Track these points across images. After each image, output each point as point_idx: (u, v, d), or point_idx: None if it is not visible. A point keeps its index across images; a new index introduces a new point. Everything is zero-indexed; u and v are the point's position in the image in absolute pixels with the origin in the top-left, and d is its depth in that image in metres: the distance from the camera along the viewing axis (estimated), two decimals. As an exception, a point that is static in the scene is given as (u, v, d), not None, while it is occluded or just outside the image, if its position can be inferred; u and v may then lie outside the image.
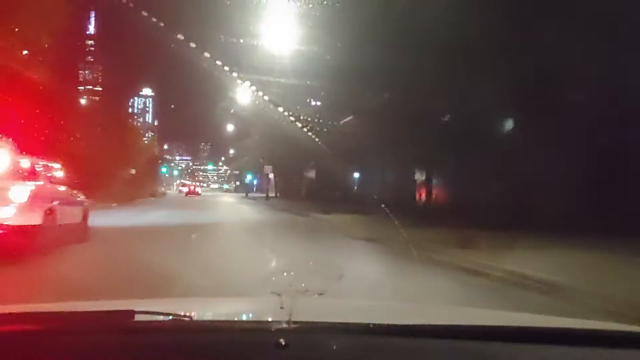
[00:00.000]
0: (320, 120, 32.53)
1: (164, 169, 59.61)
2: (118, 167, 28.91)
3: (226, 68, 21.37)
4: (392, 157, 27.79)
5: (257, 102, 36.78)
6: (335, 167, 34.17)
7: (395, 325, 1.44)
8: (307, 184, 44.22)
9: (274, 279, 1.58)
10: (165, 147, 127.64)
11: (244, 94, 37.66)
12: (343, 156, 31.51)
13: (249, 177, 59.42)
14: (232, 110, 37.77)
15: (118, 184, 30.61)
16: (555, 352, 1.31)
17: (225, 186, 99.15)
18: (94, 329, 1.35)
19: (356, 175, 34.12)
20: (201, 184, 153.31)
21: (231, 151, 71.14)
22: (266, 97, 34.85)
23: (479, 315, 2.08)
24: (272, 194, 47.01)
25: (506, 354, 1.32)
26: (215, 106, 49.66)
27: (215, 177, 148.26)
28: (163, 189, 60.65)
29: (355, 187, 33.81)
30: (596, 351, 1.33)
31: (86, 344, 1.29)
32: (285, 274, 1.62)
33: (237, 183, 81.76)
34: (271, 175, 39.14)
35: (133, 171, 34.93)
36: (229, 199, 46.97)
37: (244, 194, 58.76)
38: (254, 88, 34.38)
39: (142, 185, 39.74)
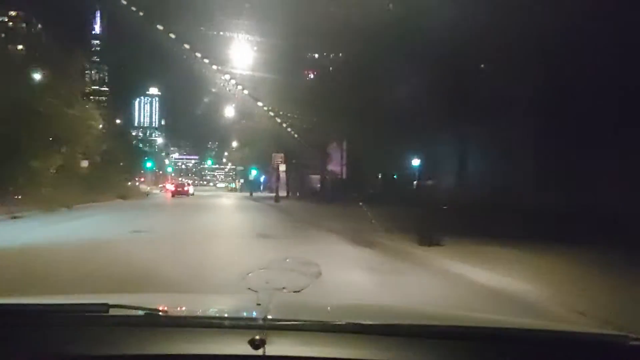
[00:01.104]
0: (353, 84, 21.74)
1: (149, 164, 48.34)
2: (30, 152, 18.18)
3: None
4: (483, 133, 16.89)
5: (262, 65, 26.59)
6: (377, 152, 23.64)
7: (371, 324, 1.42)
8: (333, 179, 33.47)
9: (251, 275, 1.75)
10: (160, 140, 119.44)
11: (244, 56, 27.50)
12: (391, 135, 20.82)
13: (253, 172, 48.08)
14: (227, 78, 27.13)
15: (59, 182, 20.36)
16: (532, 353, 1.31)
17: (232, 185, 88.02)
18: (67, 322, 1.34)
19: (415, 163, 23.18)
20: (208, 183, 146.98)
21: (234, 144, 59.99)
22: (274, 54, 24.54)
23: (461, 317, 1.98)
24: (282, 193, 36.21)
25: (489, 354, 1.30)
26: (220, 98, 39.21)
27: (223, 176, 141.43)
28: (149, 188, 49.76)
29: (416, 182, 22.92)
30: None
31: (60, 337, 1.30)
32: (262, 271, 1.80)
33: (242, 181, 70.17)
34: (282, 168, 28.09)
35: (85, 163, 24.49)
36: (227, 200, 36.19)
37: (248, 194, 48.07)
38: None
39: (108, 184, 29.43)
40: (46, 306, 1.48)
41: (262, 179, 59.03)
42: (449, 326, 1.50)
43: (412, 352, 1.28)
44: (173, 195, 40.77)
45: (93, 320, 1.33)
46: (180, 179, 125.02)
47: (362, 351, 1.26)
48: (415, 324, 1.46)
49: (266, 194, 56.46)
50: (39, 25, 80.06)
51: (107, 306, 1.31)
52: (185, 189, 44.39)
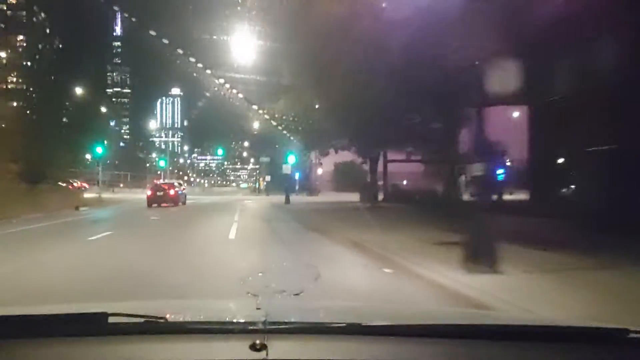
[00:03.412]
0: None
1: (99, 150, 28.75)
2: None
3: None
4: None
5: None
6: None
7: (372, 325, 1.43)
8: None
9: (250, 279, 1.78)
10: (152, 127, 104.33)
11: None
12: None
13: (291, 159, 28.05)
14: None
15: None
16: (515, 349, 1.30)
17: (256, 184, 67.68)
18: (67, 331, 1.31)
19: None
20: (230, 183, 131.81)
21: (255, 124, 40.85)
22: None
23: (459, 315, 2.03)
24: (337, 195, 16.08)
25: (487, 352, 1.30)
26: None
27: (246, 176, 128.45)
28: (100, 191, 29.81)
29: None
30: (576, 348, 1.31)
31: (59, 347, 1.26)
32: (261, 274, 1.83)
33: (268, 178, 49.55)
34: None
35: None
36: (227, 222, 16.47)
37: (282, 198, 28.59)
38: None
39: None
40: (44, 316, 1.46)
41: (297, 174, 39.83)
42: (449, 325, 1.49)
43: (412, 351, 1.28)
44: (150, 205, 23.32)
45: (93, 329, 1.31)
46: (189, 176, 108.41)
47: (362, 352, 1.26)
48: (415, 324, 1.47)
49: (305, 197, 37.15)
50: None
51: (107, 315, 1.31)
52: (172, 193, 24.83)
